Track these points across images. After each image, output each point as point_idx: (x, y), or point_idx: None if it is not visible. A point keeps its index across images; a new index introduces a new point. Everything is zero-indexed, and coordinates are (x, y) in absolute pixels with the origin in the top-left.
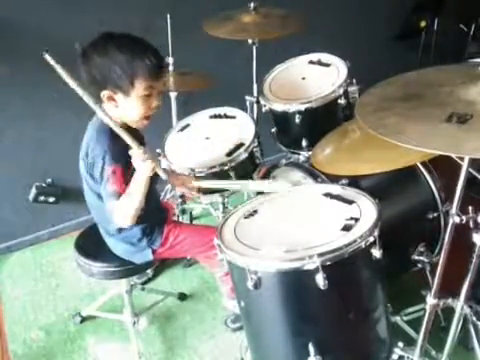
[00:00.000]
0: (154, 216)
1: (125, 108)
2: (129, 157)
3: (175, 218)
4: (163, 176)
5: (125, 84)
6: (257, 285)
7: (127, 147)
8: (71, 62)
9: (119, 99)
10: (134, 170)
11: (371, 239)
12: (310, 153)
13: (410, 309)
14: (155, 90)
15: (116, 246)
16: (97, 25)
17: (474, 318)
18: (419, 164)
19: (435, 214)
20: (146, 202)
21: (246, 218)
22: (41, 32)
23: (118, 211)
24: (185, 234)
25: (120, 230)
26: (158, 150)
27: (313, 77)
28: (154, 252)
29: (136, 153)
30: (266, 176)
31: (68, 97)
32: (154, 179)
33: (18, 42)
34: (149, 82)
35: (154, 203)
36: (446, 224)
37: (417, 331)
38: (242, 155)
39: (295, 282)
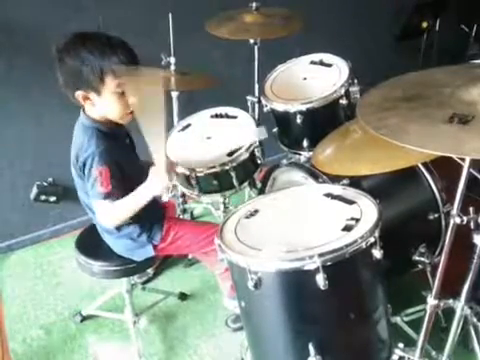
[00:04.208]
0: (152, 213)
1: (102, 106)
2: (116, 156)
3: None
4: (165, 198)
5: (95, 82)
6: (257, 285)
7: (115, 147)
8: None
9: (93, 98)
10: (128, 170)
11: (372, 239)
12: (311, 153)
13: (410, 310)
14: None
15: (117, 244)
16: (98, 24)
17: (475, 319)
18: (420, 165)
19: (436, 215)
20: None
21: (247, 218)
22: (40, 31)
23: (107, 212)
24: (185, 230)
25: (119, 228)
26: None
27: (315, 77)
28: (155, 248)
29: (160, 174)
30: (267, 176)
31: (68, 96)
32: (144, 178)
33: (16, 41)
34: (119, 78)
35: (151, 202)
36: (447, 225)
37: (417, 332)
38: (243, 155)
39: (295, 282)
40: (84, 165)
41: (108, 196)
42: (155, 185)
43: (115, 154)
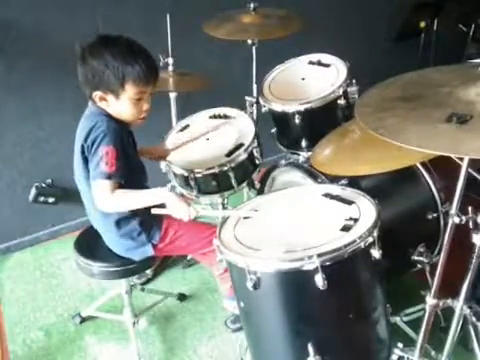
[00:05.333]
0: (150, 211)
1: (116, 108)
2: (124, 142)
3: None
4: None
5: (116, 87)
6: (256, 285)
7: (127, 133)
8: (69, 61)
9: (110, 100)
10: (130, 163)
11: (370, 239)
12: (310, 153)
13: (410, 309)
14: (145, 94)
15: (116, 243)
16: (96, 25)
17: (474, 318)
18: (419, 164)
19: (435, 214)
20: None
21: (246, 218)
22: (40, 32)
23: (107, 194)
24: (184, 229)
25: (118, 225)
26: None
27: (313, 77)
28: (154, 247)
29: (192, 210)
30: (266, 177)
31: (67, 97)
32: (144, 177)
33: (16, 42)
34: (139, 87)
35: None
36: (446, 224)
37: (417, 331)
38: (242, 156)
39: (294, 282)
40: (93, 143)
41: (110, 177)
42: (177, 208)
43: (125, 139)
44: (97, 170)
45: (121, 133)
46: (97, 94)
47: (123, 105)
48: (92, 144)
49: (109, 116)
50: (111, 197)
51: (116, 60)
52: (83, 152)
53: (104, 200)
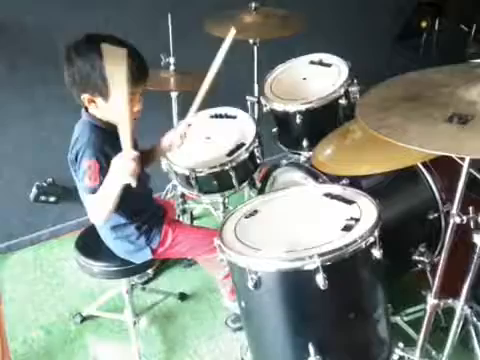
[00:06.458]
0: (149, 216)
1: (106, 111)
2: (110, 152)
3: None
4: (133, 183)
5: (104, 89)
6: (257, 285)
7: (111, 144)
8: None
9: (99, 102)
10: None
11: (371, 239)
12: (311, 153)
13: (410, 309)
14: (135, 95)
15: (115, 246)
16: (97, 24)
17: (474, 318)
18: (420, 164)
19: (436, 214)
20: (137, 202)
21: (246, 218)
22: (41, 31)
23: (90, 207)
24: (185, 235)
25: (113, 229)
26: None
27: (314, 77)
28: (153, 251)
29: (128, 154)
30: (267, 176)
31: (68, 97)
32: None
33: (17, 41)
34: (129, 88)
35: (147, 203)
36: (447, 224)
37: (417, 331)
38: (243, 155)
39: (295, 282)
40: (76, 156)
41: (95, 190)
42: (118, 170)
43: (109, 150)
44: (82, 184)
45: (103, 143)
46: (85, 97)
47: (112, 107)
48: (75, 157)
49: (95, 124)
50: (92, 209)
51: (103, 60)
52: (70, 161)
53: (90, 213)
